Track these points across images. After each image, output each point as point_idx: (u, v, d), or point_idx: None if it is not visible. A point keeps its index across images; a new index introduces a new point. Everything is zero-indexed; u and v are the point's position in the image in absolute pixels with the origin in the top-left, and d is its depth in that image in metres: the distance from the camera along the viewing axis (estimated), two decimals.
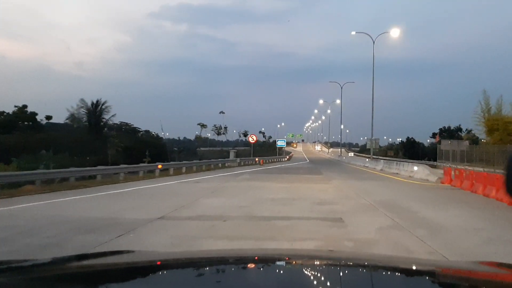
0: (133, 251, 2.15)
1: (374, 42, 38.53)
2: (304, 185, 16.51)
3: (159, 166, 20.46)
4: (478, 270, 1.74)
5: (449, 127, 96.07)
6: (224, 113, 52.13)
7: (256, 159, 38.94)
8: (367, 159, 38.93)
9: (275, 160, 51.43)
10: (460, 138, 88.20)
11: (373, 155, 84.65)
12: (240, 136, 53.67)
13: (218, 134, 49.03)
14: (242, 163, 35.87)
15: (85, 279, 1.50)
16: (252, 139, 40.10)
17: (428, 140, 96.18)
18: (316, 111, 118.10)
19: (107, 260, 1.82)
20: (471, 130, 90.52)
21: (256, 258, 1.91)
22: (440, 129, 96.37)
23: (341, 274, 1.63)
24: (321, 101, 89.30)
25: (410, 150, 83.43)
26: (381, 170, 29.89)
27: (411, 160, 54.05)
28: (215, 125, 48.48)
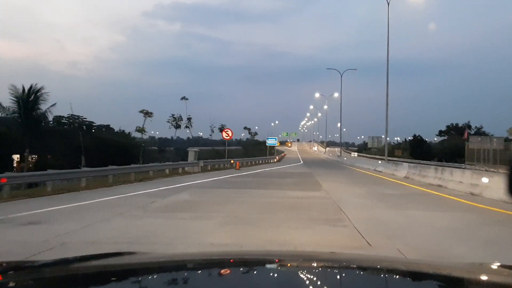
0: (134, 253, 2.07)
1: (388, 3, 28.83)
2: (284, 234, 6.66)
3: (2, 180, 10.56)
4: (479, 271, 1.73)
5: (456, 124, 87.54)
6: (187, 99, 38.88)
7: (232, 161, 29.09)
8: (379, 161, 29.20)
9: (260, 161, 41.59)
10: (469, 135, 78.98)
11: (376, 155, 74.58)
12: (213, 131, 41.23)
13: (177, 127, 36.66)
14: (210, 167, 25.99)
15: (86, 280, 1.50)
16: (226, 134, 30.23)
17: (436, 139, 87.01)
18: (311, 107, 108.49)
19: (108, 262, 1.79)
20: (481, 127, 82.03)
21: (257, 259, 1.91)
22: (448, 126, 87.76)
23: (342, 275, 1.61)
24: (317, 95, 79.65)
25: (418, 149, 73.57)
26: (407, 178, 20.24)
27: (438, 163, 44.40)
28: (172, 115, 34.80)
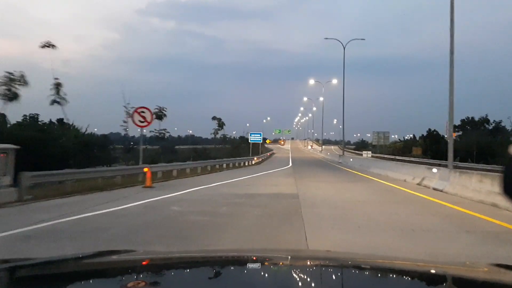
0: (132, 251, 2.04)
1: None
2: None
3: None
4: (478, 271, 1.71)
5: (472, 118, 74.15)
6: (53, 46, 20.79)
7: (145, 169, 14.85)
8: (434, 169, 14.87)
9: (225, 165, 27.45)
10: (488, 131, 65.87)
11: (383, 154, 60.18)
12: (128, 113, 23.80)
13: (11, 98, 19.82)
14: (77, 185, 11.78)
15: (84, 278, 1.47)
16: (141, 119, 15.96)
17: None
18: (305, 98, 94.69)
19: (106, 260, 1.77)
20: (500, 122, 68.83)
21: (254, 258, 1.90)
22: (462, 121, 74.10)
23: (338, 274, 1.59)
24: (312, 81, 65.64)
25: (434, 147, 59.38)
26: None
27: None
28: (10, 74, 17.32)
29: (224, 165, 27.55)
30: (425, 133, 66.24)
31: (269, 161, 43.98)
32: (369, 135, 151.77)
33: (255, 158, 33.74)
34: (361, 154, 36.18)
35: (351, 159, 33.58)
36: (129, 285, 1.35)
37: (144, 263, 1.73)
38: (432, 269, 1.72)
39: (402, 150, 62.77)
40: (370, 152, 36.89)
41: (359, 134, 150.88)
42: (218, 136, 39.23)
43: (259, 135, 53.32)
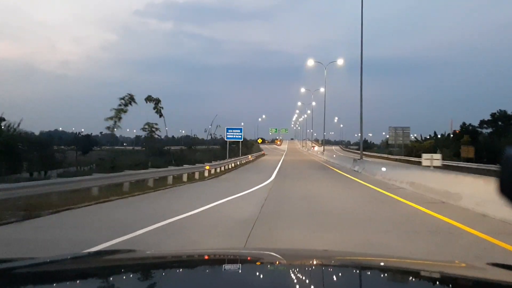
0: (133, 250, 1.99)
1: None
2: None
3: None
4: (476, 270, 1.68)
5: (504, 112, 59.27)
6: None
7: None
8: None
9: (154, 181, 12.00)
10: None
11: (399, 155, 43.63)
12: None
13: None
14: None
15: (84, 277, 1.46)
16: None
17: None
18: (303, 89, 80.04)
19: (106, 259, 1.75)
20: None
21: (253, 258, 1.89)
22: (493, 115, 59.24)
23: (335, 273, 1.56)
24: (312, 62, 50.56)
25: (473, 145, 44.03)
26: None
27: None
28: None
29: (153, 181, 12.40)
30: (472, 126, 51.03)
31: (245, 168, 28.70)
32: (371, 134, 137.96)
33: (207, 167, 18.12)
34: (437, 161, 19.52)
35: (383, 168, 18.17)
36: (129, 284, 1.35)
37: (144, 262, 1.73)
38: (430, 268, 1.69)
39: (424, 151, 47.48)
40: (439, 156, 20.45)
41: (358, 135, 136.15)
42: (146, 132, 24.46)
43: (239, 130, 38.15)
